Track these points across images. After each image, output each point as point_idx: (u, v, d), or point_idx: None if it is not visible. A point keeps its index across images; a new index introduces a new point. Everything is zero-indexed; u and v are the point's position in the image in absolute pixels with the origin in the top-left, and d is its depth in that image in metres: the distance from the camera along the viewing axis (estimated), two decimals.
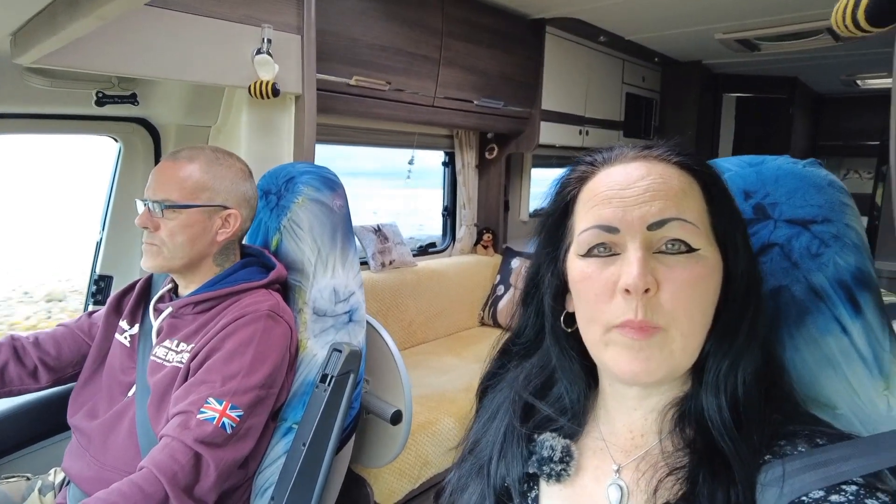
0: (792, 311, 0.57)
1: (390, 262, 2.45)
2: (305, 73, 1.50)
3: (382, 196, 2.88)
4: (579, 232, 0.52)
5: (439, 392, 2.01)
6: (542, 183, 3.14)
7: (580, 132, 3.04)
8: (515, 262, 2.82)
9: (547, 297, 0.56)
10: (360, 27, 1.88)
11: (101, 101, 1.37)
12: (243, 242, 1.18)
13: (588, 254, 0.50)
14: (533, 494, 0.56)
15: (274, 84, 1.36)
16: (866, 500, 0.39)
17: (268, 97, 1.36)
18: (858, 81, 3.92)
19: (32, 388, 1.11)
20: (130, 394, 1.05)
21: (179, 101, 1.52)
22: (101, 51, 1.13)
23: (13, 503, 1.08)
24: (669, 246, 0.48)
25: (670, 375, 0.49)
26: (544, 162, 3.30)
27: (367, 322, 1.28)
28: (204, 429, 0.89)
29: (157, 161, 1.62)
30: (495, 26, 2.41)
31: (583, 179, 0.54)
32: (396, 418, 1.28)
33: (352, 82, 1.89)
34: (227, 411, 0.92)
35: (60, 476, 1.13)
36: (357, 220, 2.47)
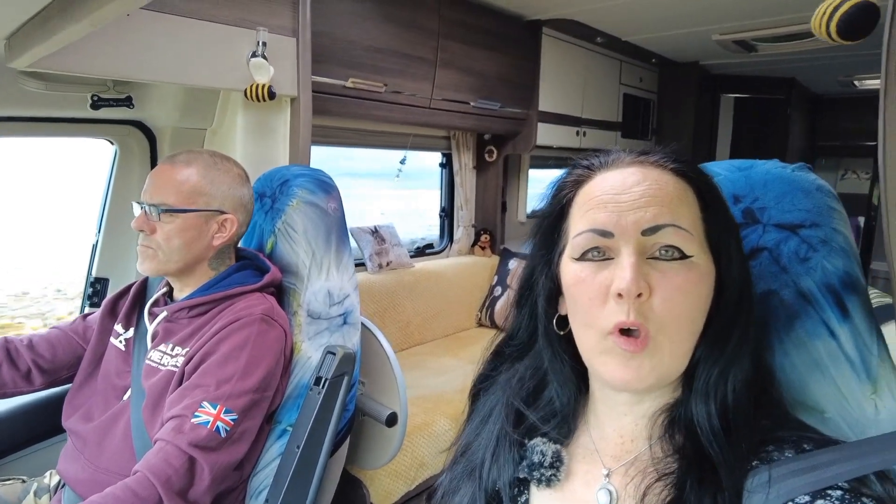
0: (781, 315, 0.57)
1: (387, 264, 2.45)
2: (301, 76, 1.50)
3: (387, 197, 2.88)
4: (574, 235, 0.52)
5: (436, 393, 2.01)
6: (539, 184, 3.13)
7: (577, 133, 3.04)
8: (513, 264, 2.83)
9: (541, 299, 0.57)
10: (356, 29, 1.88)
11: (96, 105, 1.37)
12: (238, 245, 1.18)
13: (582, 257, 0.51)
14: (523, 499, 0.57)
15: (270, 87, 1.36)
16: None
17: (263, 100, 1.36)
18: (856, 82, 3.92)
19: (26, 390, 1.11)
20: (125, 397, 1.05)
21: (175, 104, 1.52)
22: (96, 54, 1.13)
23: None
24: (663, 252, 0.48)
25: (661, 382, 0.49)
26: (542, 163, 3.30)
27: (363, 324, 1.28)
28: (198, 433, 0.90)
29: (153, 164, 1.62)
30: (491, 28, 2.42)
31: (579, 183, 0.55)
32: (392, 420, 1.28)
33: (348, 84, 1.89)
34: (222, 415, 0.92)
35: (56, 479, 1.13)
36: (361, 221, 2.48)
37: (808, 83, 4.23)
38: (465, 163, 2.85)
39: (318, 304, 1.15)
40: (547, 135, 2.81)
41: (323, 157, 2.34)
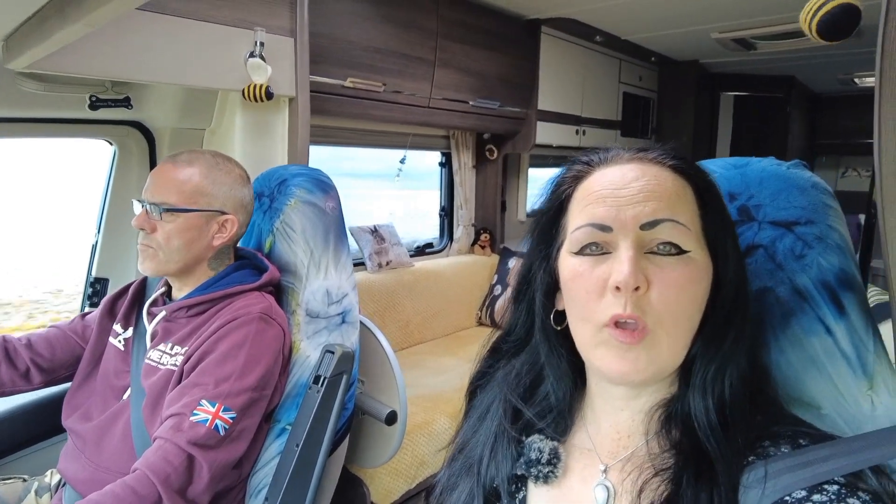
0: (777, 312, 0.57)
1: (387, 263, 2.45)
2: (299, 76, 1.50)
3: (388, 197, 2.89)
4: (573, 230, 0.52)
5: (436, 392, 2.01)
6: (539, 183, 3.13)
7: (577, 132, 3.04)
8: (513, 262, 2.83)
9: (538, 294, 0.57)
10: (354, 29, 1.88)
11: (94, 105, 1.37)
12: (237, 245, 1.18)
13: (580, 252, 0.51)
14: (521, 495, 0.57)
15: (267, 87, 1.36)
16: (848, 499, 0.40)
17: (261, 100, 1.36)
18: (855, 80, 3.92)
19: (24, 388, 1.12)
20: (125, 397, 1.05)
21: (173, 105, 1.52)
22: (94, 55, 1.13)
23: None
24: (661, 247, 0.48)
25: (658, 375, 0.49)
26: (541, 162, 3.30)
27: (362, 323, 1.28)
28: (197, 431, 0.90)
29: (152, 164, 1.62)
30: (490, 27, 2.42)
31: (578, 179, 0.55)
32: (391, 419, 1.28)
33: (347, 84, 1.90)
34: (220, 413, 0.92)
35: (56, 478, 1.13)
36: (364, 222, 2.48)
37: (808, 81, 4.23)
38: (464, 162, 2.85)
39: (317, 303, 1.15)
40: (546, 134, 2.81)
41: (324, 158, 2.34)
